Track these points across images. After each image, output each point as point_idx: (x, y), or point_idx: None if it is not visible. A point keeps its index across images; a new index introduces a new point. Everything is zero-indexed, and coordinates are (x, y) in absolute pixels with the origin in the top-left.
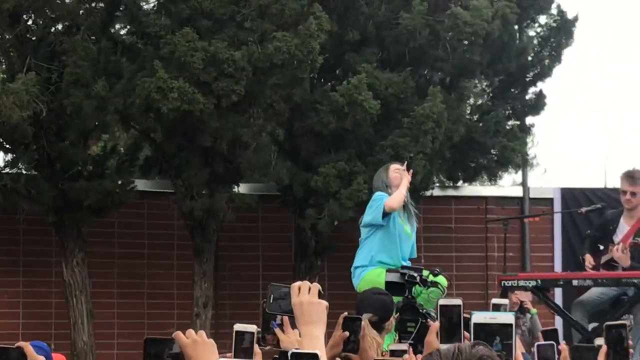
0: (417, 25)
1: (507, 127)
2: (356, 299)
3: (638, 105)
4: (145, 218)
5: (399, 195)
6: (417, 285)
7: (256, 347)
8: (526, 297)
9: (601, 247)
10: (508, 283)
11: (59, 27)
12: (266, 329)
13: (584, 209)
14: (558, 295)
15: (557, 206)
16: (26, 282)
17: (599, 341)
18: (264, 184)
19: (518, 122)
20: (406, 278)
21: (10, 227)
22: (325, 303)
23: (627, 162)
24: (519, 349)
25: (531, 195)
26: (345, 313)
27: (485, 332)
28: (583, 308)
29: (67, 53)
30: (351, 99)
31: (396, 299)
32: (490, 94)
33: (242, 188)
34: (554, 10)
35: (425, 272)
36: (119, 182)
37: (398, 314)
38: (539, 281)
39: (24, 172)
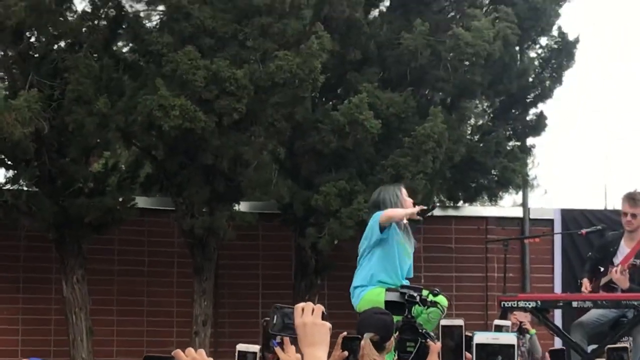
0: (418, 46)
1: (508, 148)
2: (356, 319)
3: (638, 129)
4: (145, 235)
5: (402, 212)
6: (416, 305)
7: None
8: (525, 317)
9: (601, 269)
10: (508, 304)
11: (62, 44)
12: (266, 348)
13: (584, 230)
14: (558, 316)
15: (558, 227)
16: (26, 298)
17: None
18: (265, 202)
19: (519, 143)
20: (406, 297)
21: (10, 243)
22: (328, 324)
23: (628, 184)
24: None
25: (531, 216)
26: (345, 333)
27: (487, 353)
28: (582, 330)
29: (69, 70)
30: (352, 118)
31: (396, 319)
32: (491, 115)
33: (242, 206)
34: (555, 32)
35: (425, 292)
36: (120, 199)
37: (397, 333)
38: (539, 302)
39: (25, 188)
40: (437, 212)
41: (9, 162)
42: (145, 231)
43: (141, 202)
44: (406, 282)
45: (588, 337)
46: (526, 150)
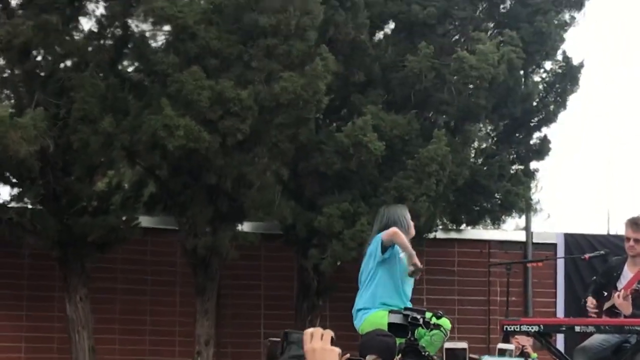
0: (423, 68)
1: (512, 172)
2: (358, 340)
3: None
4: (148, 255)
5: (404, 239)
6: (420, 328)
7: None
8: (527, 341)
9: (605, 294)
10: (510, 327)
11: (68, 63)
12: None
13: (587, 255)
14: (560, 341)
15: (560, 251)
16: (29, 316)
17: None
18: (267, 223)
19: (522, 167)
20: (409, 320)
21: (14, 261)
22: (337, 350)
23: (631, 209)
24: None
25: (534, 240)
26: (347, 355)
27: None
28: (585, 355)
29: (75, 89)
30: (356, 140)
31: (399, 341)
32: (495, 138)
33: (245, 226)
34: (559, 57)
35: (428, 315)
36: (123, 218)
37: (400, 355)
38: (542, 326)
39: (29, 206)
40: (440, 234)
41: (14, 180)
42: (148, 250)
43: (144, 221)
44: (409, 305)
45: None
46: (530, 174)
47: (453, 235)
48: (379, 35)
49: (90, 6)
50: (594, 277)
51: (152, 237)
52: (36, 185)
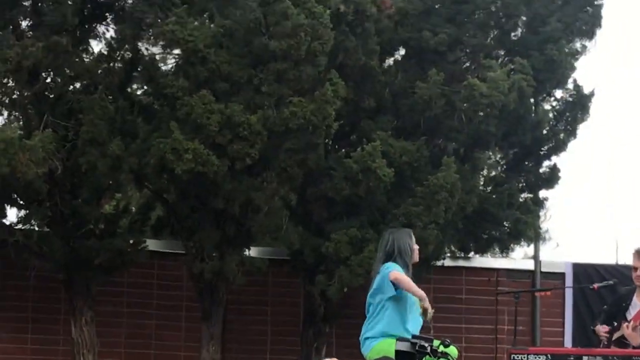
0: (433, 95)
1: (521, 200)
2: None
3: None
4: (155, 278)
5: (410, 284)
6: (427, 356)
7: None
8: None
9: (614, 324)
10: (518, 357)
11: (77, 85)
12: None
13: (596, 285)
14: None
15: (569, 281)
16: (34, 339)
17: None
18: (275, 248)
19: (531, 195)
20: (417, 348)
21: (20, 283)
22: None
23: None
24: None
25: (543, 269)
26: None
27: None
28: None
29: (84, 111)
30: (365, 166)
31: None
32: (504, 166)
33: (252, 251)
34: (570, 85)
35: (436, 342)
36: (130, 242)
37: None
38: (549, 356)
39: (36, 228)
40: (448, 262)
41: (21, 202)
42: (154, 274)
43: (151, 244)
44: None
45: None
46: (539, 203)
47: (461, 263)
48: (389, 61)
49: (101, 28)
50: (605, 307)
51: (159, 260)
52: (43, 207)
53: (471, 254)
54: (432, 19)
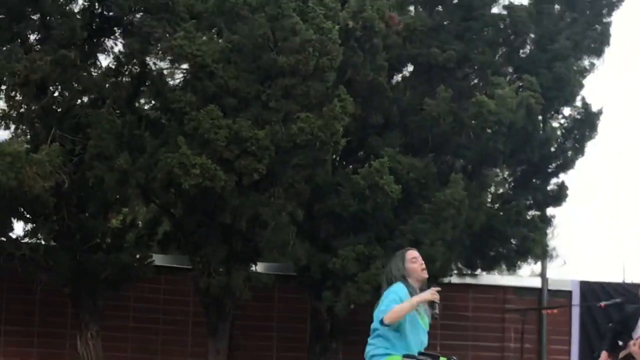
0: (441, 112)
1: (528, 217)
2: None
3: None
4: (161, 293)
5: (401, 313)
6: None
7: None
8: None
9: (620, 343)
10: None
11: (85, 99)
12: None
13: (603, 303)
14: None
15: (576, 299)
16: (40, 353)
17: None
18: (281, 264)
19: (539, 213)
20: None
21: (26, 297)
22: None
23: None
24: None
25: (550, 287)
26: None
27: None
28: None
29: (91, 125)
30: (372, 182)
31: None
32: (512, 183)
33: (259, 267)
34: (578, 103)
35: None
36: (137, 256)
37: None
38: None
39: (43, 242)
40: (454, 280)
41: (28, 216)
42: (161, 289)
43: (158, 259)
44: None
45: None
46: (546, 221)
47: (468, 280)
48: (398, 77)
49: (109, 43)
50: (610, 324)
51: (166, 275)
52: (50, 221)
53: (478, 271)
54: (441, 36)
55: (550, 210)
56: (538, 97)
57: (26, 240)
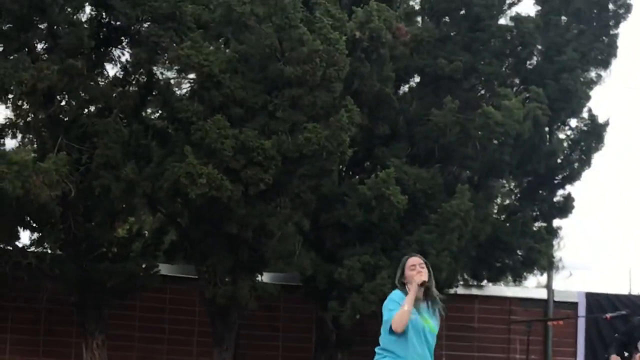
0: (447, 123)
1: (534, 229)
2: None
3: None
4: (167, 303)
5: (404, 315)
6: None
7: None
8: None
9: (626, 354)
10: None
11: (92, 108)
12: None
13: (609, 315)
14: None
15: (582, 310)
16: None
17: None
18: (287, 274)
19: (545, 224)
20: None
21: (32, 305)
22: None
23: None
24: None
25: (555, 298)
26: None
27: None
28: None
29: (98, 135)
30: (379, 192)
31: None
32: (518, 195)
33: (265, 277)
34: (585, 114)
35: None
36: (143, 266)
37: None
38: None
39: (49, 251)
40: (460, 290)
41: (35, 224)
42: (167, 298)
43: (164, 269)
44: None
45: None
46: (552, 232)
47: (474, 291)
48: (404, 88)
49: (116, 52)
50: (616, 335)
51: (171, 285)
52: (56, 230)
53: (484, 282)
54: (448, 47)
55: (556, 222)
56: (545, 108)
57: (32, 249)
